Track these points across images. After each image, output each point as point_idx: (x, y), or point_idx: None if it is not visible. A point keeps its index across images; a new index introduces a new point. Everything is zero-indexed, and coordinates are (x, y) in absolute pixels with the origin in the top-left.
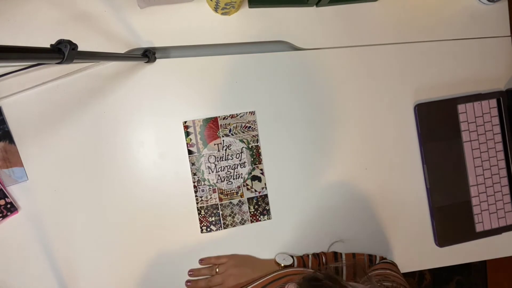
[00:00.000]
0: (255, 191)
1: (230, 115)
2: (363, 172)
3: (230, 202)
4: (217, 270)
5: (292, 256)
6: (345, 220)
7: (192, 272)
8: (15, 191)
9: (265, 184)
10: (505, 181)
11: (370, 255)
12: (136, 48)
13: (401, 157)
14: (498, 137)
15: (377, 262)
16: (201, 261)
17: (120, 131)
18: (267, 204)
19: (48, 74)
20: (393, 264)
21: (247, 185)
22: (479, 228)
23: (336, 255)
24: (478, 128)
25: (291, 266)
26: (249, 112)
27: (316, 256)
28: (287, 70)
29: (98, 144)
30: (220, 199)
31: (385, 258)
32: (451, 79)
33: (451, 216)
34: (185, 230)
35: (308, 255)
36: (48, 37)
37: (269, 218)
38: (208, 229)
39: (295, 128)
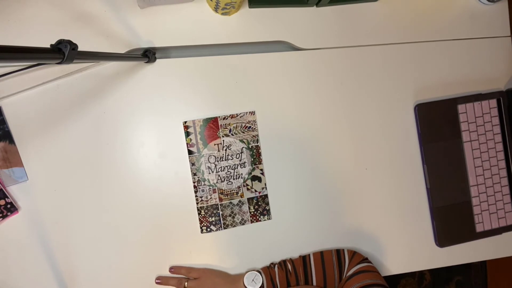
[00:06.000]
0: (255, 191)
1: (230, 115)
2: (363, 172)
3: (230, 202)
4: (186, 285)
5: (260, 273)
6: (345, 220)
7: (159, 281)
8: (15, 191)
9: (265, 184)
10: (505, 181)
11: (337, 251)
12: (136, 48)
13: (401, 157)
14: (498, 137)
15: (345, 257)
16: (172, 269)
17: (120, 131)
18: (267, 204)
19: (48, 74)
20: (368, 264)
21: (247, 185)
22: (479, 228)
23: (304, 259)
24: (478, 128)
25: None
26: (249, 112)
27: (283, 266)
28: (287, 70)
29: (98, 144)
30: (220, 199)
31: (355, 253)
32: (451, 79)
33: (451, 216)
34: (185, 230)
35: (274, 266)
36: (48, 37)
37: (269, 218)
38: (208, 229)
39: (295, 128)
